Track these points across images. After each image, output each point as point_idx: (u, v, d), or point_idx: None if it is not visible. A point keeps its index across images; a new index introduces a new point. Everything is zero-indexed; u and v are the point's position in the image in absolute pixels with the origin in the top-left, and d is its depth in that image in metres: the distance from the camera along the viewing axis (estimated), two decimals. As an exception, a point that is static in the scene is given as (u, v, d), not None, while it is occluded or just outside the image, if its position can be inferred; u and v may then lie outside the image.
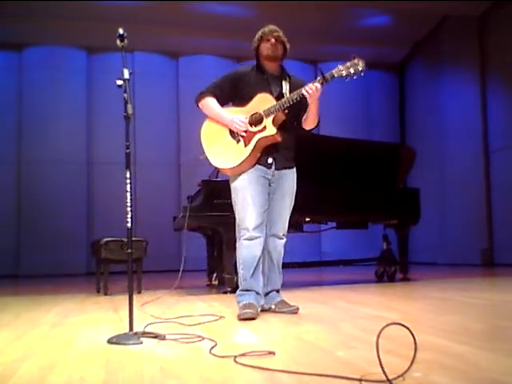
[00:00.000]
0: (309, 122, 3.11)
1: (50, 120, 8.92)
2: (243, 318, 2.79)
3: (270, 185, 3.08)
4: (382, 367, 1.46)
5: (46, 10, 8.28)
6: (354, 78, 2.88)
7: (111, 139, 8.60)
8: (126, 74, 2.43)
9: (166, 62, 9.79)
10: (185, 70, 9.60)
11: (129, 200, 2.39)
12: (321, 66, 2.93)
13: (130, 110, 2.38)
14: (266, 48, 3.09)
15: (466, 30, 8.84)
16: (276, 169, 3.06)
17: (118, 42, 2.48)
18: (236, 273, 4.24)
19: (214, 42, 9.38)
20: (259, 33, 3.14)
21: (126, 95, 2.40)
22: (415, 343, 1.58)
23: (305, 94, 2.90)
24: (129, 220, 2.38)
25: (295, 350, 2.00)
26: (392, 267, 5.46)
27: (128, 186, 2.39)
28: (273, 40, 3.07)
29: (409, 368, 1.53)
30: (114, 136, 8.14)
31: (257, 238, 2.97)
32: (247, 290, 2.98)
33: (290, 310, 3.03)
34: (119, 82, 2.41)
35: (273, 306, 3.10)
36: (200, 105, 3.15)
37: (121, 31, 2.47)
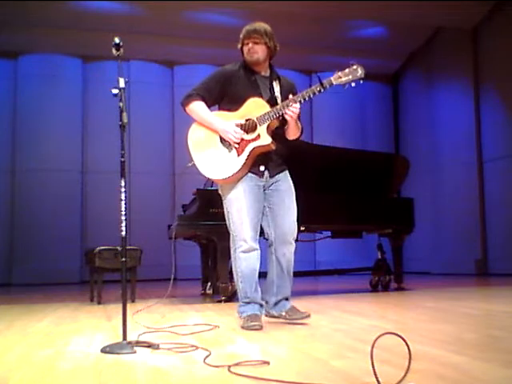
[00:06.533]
0: (290, 134, 3.01)
1: (44, 128, 8.91)
2: (251, 330, 2.72)
3: (264, 191, 2.97)
4: (376, 377, 1.46)
5: (41, 18, 8.30)
6: (353, 85, 2.76)
7: (106, 148, 8.61)
8: (122, 83, 2.42)
9: (162, 71, 9.82)
10: (180, 79, 9.63)
11: (123, 208, 2.38)
12: (318, 74, 2.81)
13: (125, 119, 2.38)
14: (244, 52, 2.98)
15: (459, 42, 8.95)
16: (270, 176, 2.97)
17: (114, 50, 2.47)
18: (230, 282, 4.27)
19: (210, 52, 9.42)
20: (242, 32, 2.99)
21: (121, 104, 2.39)
22: (410, 353, 1.59)
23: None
24: (123, 229, 2.37)
25: (290, 360, 2.00)
26: (386, 276, 5.47)
27: (123, 195, 2.38)
28: (250, 44, 2.94)
29: (403, 378, 1.53)
30: (108, 145, 8.15)
31: (254, 249, 2.90)
32: (250, 303, 2.91)
33: (301, 317, 2.94)
34: (115, 91, 2.41)
35: (283, 313, 2.99)
36: (188, 109, 3.00)
37: (117, 40, 2.46)
